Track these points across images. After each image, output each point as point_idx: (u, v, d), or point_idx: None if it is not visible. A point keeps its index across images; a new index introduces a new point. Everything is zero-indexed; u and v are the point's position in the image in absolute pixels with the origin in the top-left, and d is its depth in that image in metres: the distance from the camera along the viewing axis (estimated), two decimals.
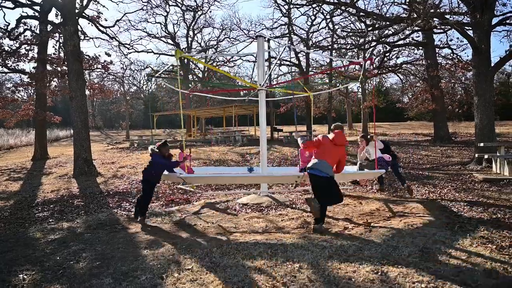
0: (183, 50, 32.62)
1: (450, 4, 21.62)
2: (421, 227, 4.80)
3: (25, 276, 3.75)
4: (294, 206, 6.78)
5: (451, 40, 27.15)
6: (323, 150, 5.13)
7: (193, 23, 32.23)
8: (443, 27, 13.82)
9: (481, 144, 10.28)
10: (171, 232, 5.28)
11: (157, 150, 6.10)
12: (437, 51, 19.66)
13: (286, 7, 24.46)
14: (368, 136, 7.63)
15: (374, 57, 24.52)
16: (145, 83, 47.57)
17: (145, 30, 46.59)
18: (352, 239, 4.43)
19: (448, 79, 22.47)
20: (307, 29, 25.91)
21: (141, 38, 55.32)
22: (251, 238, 4.70)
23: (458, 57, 18.90)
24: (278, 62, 26.67)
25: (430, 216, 5.45)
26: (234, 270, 3.60)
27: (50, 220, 6.45)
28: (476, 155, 10.64)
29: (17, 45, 15.79)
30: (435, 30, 15.99)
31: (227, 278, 3.41)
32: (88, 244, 4.79)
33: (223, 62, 32.92)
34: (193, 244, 4.51)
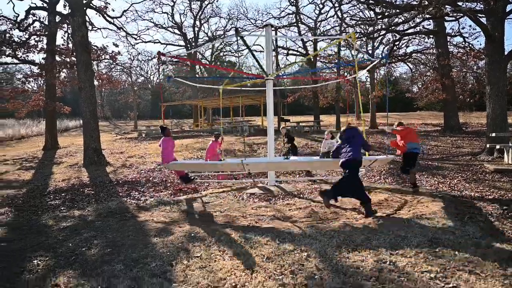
0: (190, 40, 32.49)
1: None
2: (430, 218, 4.78)
3: (39, 262, 3.84)
4: (301, 196, 6.79)
5: (463, 28, 26.56)
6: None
7: (200, 12, 32.00)
8: (455, 14, 13.51)
9: (493, 134, 10.11)
10: (180, 220, 5.34)
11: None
12: (448, 40, 19.25)
13: None
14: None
15: (384, 45, 24.17)
16: (154, 73, 47.61)
17: (152, 20, 46.59)
18: (360, 229, 4.44)
19: (459, 68, 22.05)
20: (315, 18, 25.57)
21: (148, 29, 55.43)
22: (260, 226, 4.73)
23: (470, 45, 18.50)
24: (285, 51, 26.48)
25: (440, 206, 5.41)
26: (242, 258, 3.64)
27: (62, 208, 6.57)
28: (488, 146, 10.48)
29: (27, 36, 15.92)
30: (446, 17, 15.65)
31: (235, 265, 3.45)
32: (99, 231, 4.87)
33: (230, 52, 32.75)
34: (202, 232, 4.56)
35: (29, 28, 16.20)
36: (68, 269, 3.60)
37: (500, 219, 4.58)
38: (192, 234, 4.50)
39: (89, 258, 3.87)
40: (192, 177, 7.89)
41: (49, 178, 9.97)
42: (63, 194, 7.84)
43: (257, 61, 7.61)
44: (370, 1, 13.49)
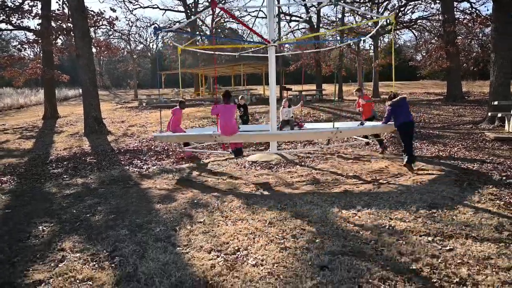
0: (190, 5, 31.50)
1: None
2: (430, 184, 4.83)
3: (44, 228, 3.92)
4: (303, 164, 6.83)
5: None
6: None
7: None
8: None
9: (495, 103, 10.01)
10: (182, 187, 5.41)
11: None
12: (455, 5, 18.64)
13: None
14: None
15: (389, 11, 23.43)
16: (153, 41, 46.54)
17: None
18: (361, 195, 4.49)
19: (465, 35, 21.50)
20: None
21: None
22: (261, 194, 4.80)
23: (477, 11, 17.94)
24: (288, 18, 25.71)
25: (439, 174, 5.45)
26: (244, 223, 3.71)
27: (65, 176, 6.64)
28: (489, 114, 10.41)
29: (20, 0, 15.39)
30: None
31: (238, 230, 3.53)
32: (102, 198, 4.95)
33: (231, 18, 31.75)
34: (204, 199, 4.63)
35: None
36: (73, 234, 3.68)
37: (498, 186, 4.63)
38: (195, 201, 4.57)
39: (93, 224, 3.95)
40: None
41: (50, 147, 10.01)
42: (65, 163, 7.89)
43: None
44: None
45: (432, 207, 3.89)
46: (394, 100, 6.03)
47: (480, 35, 21.52)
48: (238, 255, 3.02)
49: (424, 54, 25.95)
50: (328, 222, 3.62)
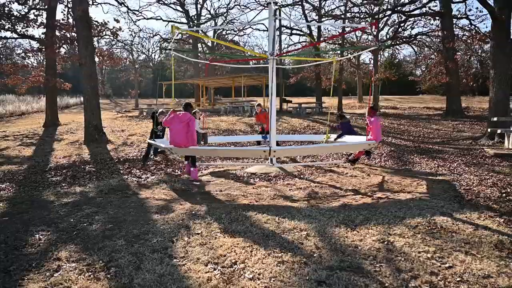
0: (193, 17, 31.92)
1: None
2: (429, 200, 4.81)
3: (41, 236, 3.89)
4: (302, 176, 6.82)
5: (469, 10, 26.05)
6: None
7: None
8: None
9: (495, 119, 10.07)
10: (180, 198, 5.39)
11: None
12: (454, 22, 18.90)
13: None
14: None
15: (389, 26, 23.71)
16: (155, 51, 47.01)
17: None
18: (359, 209, 4.47)
19: (464, 52, 21.74)
20: None
21: (150, 4, 54.28)
22: (259, 206, 4.77)
23: (476, 28, 18.18)
24: (289, 31, 26.03)
25: (439, 189, 5.44)
26: (242, 235, 3.69)
27: (63, 185, 6.62)
28: (489, 130, 10.45)
29: (26, 10, 15.61)
30: None
31: (235, 243, 3.50)
32: (100, 207, 4.92)
33: (232, 31, 32.19)
34: (203, 210, 4.61)
35: (28, 1, 15.87)
36: (70, 243, 3.65)
37: (498, 202, 4.61)
38: (193, 212, 4.55)
39: (90, 233, 3.92)
40: None
41: (50, 155, 10.00)
42: (64, 171, 7.88)
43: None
44: None
45: (431, 223, 3.87)
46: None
47: (479, 51, 21.78)
48: (235, 268, 2.99)
49: (424, 69, 26.20)
50: (326, 236, 3.60)
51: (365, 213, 4.27)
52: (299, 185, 6.09)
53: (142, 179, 6.91)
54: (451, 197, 4.97)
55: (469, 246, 3.28)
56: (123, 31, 36.16)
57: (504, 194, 5.01)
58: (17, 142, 12.43)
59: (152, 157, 8.50)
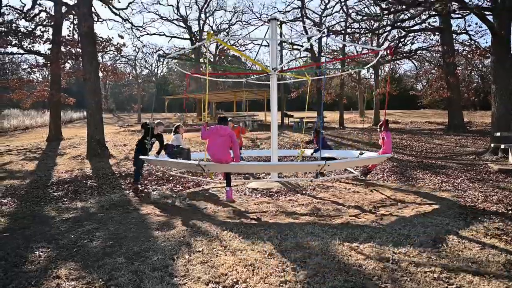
0: (195, 33, 32.39)
1: None
2: (434, 217, 4.75)
3: (41, 253, 3.85)
4: (304, 192, 6.77)
5: (469, 25, 26.42)
6: None
7: (205, 5, 31.85)
8: (461, 11, 13.36)
9: (498, 134, 10.04)
10: (181, 214, 5.34)
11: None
12: (454, 37, 19.09)
13: None
14: None
15: (389, 42, 23.96)
16: (157, 65, 47.55)
17: (157, 12, 46.46)
18: (363, 226, 4.42)
19: (464, 66, 21.86)
20: (320, 13, 25.34)
21: (153, 21, 55.28)
22: (261, 223, 4.72)
23: (476, 43, 18.31)
24: (290, 46, 26.32)
25: (443, 205, 5.38)
26: (244, 253, 3.63)
27: (65, 200, 6.59)
28: (492, 145, 10.40)
29: (33, 26, 15.90)
30: (453, 15, 15.48)
31: (237, 261, 3.45)
32: (101, 223, 4.88)
33: (234, 46, 32.54)
34: (204, 227, 4.56)
35: (35, 18, 16.19)
36: (70, 260, 3.61)
37: (505, 220, 4.55)
38: (194, 229, 4.50)
39: (91, 250, 3.88)
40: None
41: (52, 169, 10.00)
42: (66, 186, 7.86)
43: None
44: None
45: (437, 241, 3.81)
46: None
47: (480, 66, 21.89)
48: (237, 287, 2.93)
49: (425, 83, 26.33)
50: (329, 254, 3.54)
51: (369, 231, 4.21)
52: (301, 201, 6.03)
53: (143, 194, 6.88)
54: (456, 214, 4.91)
55: (476, 265, 3.21)
56: (127, 46, 36.86)
57: (510, 212, 4.95)
58: (20, 156, 12.46)
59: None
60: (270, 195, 6.56)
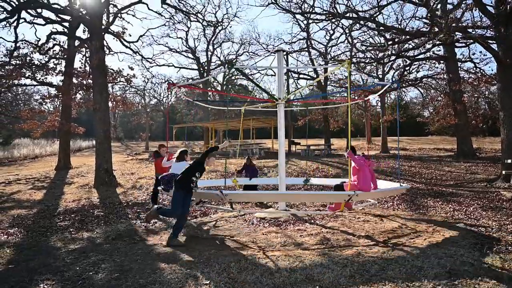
0: (203, 63, 33.22)
1: (473, 18, 21.26)
2: (447, 247, 4.61)
3: (46, 286, 3.79)
4: (312, 221, 6.65)
5: (473, 54, 26.66)
6: None
7: (213, 37, 32.84)
8: (465, 41, 13.57)
9: (509, 161, 9.90)
10: (188, 245, 5.26)
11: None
12: (459, 65, 19.26)
13: (305, 22, 24.61)
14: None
15: (394, 70, 24.24)
16: (166, 95, 48.57)
17: (166, 44, 47.97)
18: (374, 258, 4.29)
19: (471, 93, 21.91)
20: (325, 43, 25.94)
21: (162, 53, 57.06)
22: (269, 254, 4.62)
23: (482, 71, 18.43)
24: (296, 75, 26.81)
25: (456, 235, 5.23)
26: (252, 286, 3.53)
27: (71, 230, 6.55)
28: (503, 172, 10.23)
29: (46, 59, 16.50)
30: (457, 44, 15.70)
31: None
32: (107, 255, 4.81)
33: (241, 76, 33.25)
34: (211, 258, 4.46)
35: (49, 51, 16.82)
36: None
37: None
38: (201, 260, 4.41)
39: (95, 283, 3.80)
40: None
41: (59, 199, 10.02)
42: (72, 215, 7.84)
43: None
44: (381, 28, 13.67)
45: (451, 273, 3.67)
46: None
47: (487, 93, 21.91)
48: None
49: (432, 110, 26.34)
50: (340, 287, 3.42)
51: (380, 262, 4.08)
52: (310, 230, 5.91)
53: (150, 224, 6.81)
54: (471, 244, 4.75)
55: None
56: (136, 78, 37.68)
57: None
58: (28, 185, 12.55)
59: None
60: (278, 225, 6.45)
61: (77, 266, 4.38)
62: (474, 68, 18.78)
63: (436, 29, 11.12)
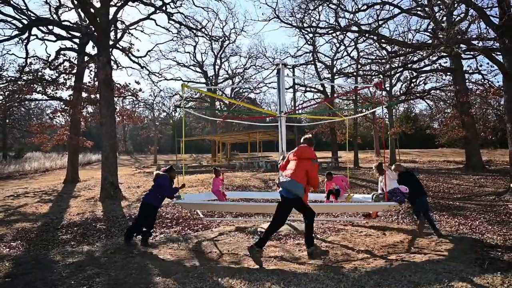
0: (211, 77, 33.65)
1: (478, 29, 21.15)
2: (448, 262, 4.49)
3: None
4: (313, 235, 6.56)
5: (481, 65, 26.30)
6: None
7: (221, 52, 33.36)
8: (471, 52, 13.49)
9: None
10: (186, 259, 5.24)
11: (164, 173, 6.78)
12: (466, 77, 19.11)
13: (311, 35, 24.84)
14: (383, 166, 6.69)
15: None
16: (172, 111, 49.26)
17: (174, 59, 48.58)
18: (371, 273, 4.20)
19: (479, 105, 21.64)
20: (331, 57, 26.08)
21: (170, 67, 58.05)
22: (265, 269, 4.56)
23: (490, 82, 18.24)
24: (303, 88, 26.93)
25: (459, 250, 5.10)
26: None
27: (72, 243, 6.59)
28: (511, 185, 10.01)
29: (56, 74, 16.92)
30: (463, 55, 15.63)
31: None
32: (103, 268, 4.81)
33: (248, 89, 33.59)
34: (206, 273, 4.43)
35: (59, 67, 17.26)
36: None
37: None
38: (195, 274, 4.38)
39: None
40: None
41: (64, 212, 10.12)
42: (75, 228, 7.90)
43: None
44: (383, 40, 13.70)
45: None
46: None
47: (496, 104, 21.59)
48: None
49: (440, 122, 26.05)
50: None
51: (376, 278, 4.00)
52: None
53: (150, 237, 6.80)
54: (472, 259, 4.62)
55: None
56: (143, 92, 38.17)
57: None
58: (36, 198, 12.72)
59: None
60: (278, 239, 6.38)
61: (72, 280, 4.39)
62: (482, 80, 18.60)
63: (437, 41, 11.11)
